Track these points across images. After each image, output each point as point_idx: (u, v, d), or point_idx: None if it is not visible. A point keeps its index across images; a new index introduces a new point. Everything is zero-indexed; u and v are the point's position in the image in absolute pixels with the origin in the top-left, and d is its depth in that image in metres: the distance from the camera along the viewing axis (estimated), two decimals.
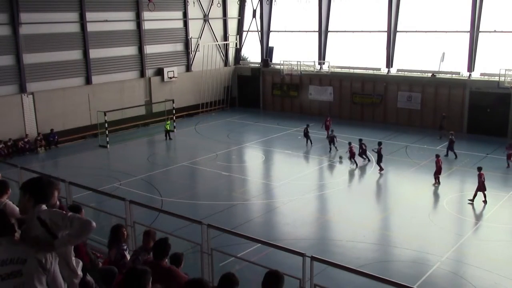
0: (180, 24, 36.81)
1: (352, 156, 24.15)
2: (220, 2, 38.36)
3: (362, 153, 24.64)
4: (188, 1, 36.33)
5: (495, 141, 27.93)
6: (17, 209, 5.74)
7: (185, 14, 36.72)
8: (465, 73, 31.23)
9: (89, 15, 30.61)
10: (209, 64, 38.33)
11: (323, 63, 36.72)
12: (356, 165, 24.09)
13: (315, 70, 36.65)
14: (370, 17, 34.61)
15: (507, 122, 29.17)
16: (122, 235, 7.77)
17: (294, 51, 37.70)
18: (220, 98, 39.75)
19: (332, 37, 36.93)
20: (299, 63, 36.44)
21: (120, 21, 32.60)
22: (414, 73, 33.09)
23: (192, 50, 37.27)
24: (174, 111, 33.09)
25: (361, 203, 20.02)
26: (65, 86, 30.06)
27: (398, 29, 33.64)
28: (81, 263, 4.84)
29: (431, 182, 21.48)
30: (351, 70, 35.54)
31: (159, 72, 35.20)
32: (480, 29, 30.66)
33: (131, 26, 33.54)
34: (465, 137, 29.55)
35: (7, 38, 27.38)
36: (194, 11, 37.18)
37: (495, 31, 30.32)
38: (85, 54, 30.89)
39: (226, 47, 40.44)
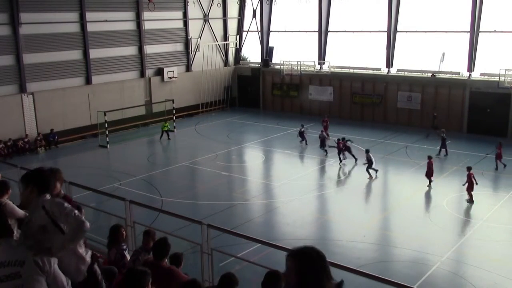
0: (180, 24, 36.81)
1: (339, 152, 24.38)
2: (220, 2, 38.36)
3: (345, 150, 24.73)
4: (188, 1, 36.33)
5: (495, 141, 27.82)
6: (17, 209, 5.75)
7: (185, 14, 36.71)
8: (465, 73, 31.22)
9: (89, 15, 30.61)
10: (209, 64, 38.32)
11: (323, 63, 36.72)
12: (340, 160, 24.40)
13: (315, 70, 36.65)
14: (370, 17, 34.60)
15: (507, 122, 29.18)
16: (121, 235, 7.77)
17: (294, 51, 37.70)
18: (220, 98, 39.75)
19: (332, 37, 36.93)
20: (299, 63, 36.44)
21: (120, 21, 32.60)
22: (414, 73, 33.09)
23: (192, 50, 37.27)
24: (174, 111, 33.09)
25: (361, 203, 20.03)
26: (65, 86, 30.05)
27: (398, 29, 33.64)
28: (90, 252, 4.92)
29: (431, 182, 21.47)
30: (351, 70, 35.54)
31: (159, 72, 35.20)
32: (480, 29, 30.66)
33: (131, 26, 33.55)
34: (465, 137, 29.58)
35: (7, 38, 27.38)
36: (194, 11, 37.18)
37: (495, 31, 30.32)
38: (85, 54, 30.89)
39: (226, 47, 40.44)
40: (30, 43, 28.25)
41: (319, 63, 36.78)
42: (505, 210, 18.85)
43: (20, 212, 5.75)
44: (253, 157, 27.47)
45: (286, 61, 37.03)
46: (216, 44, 39.40)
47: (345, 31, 35.90)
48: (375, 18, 34.16)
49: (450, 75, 31.68)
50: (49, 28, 28.91)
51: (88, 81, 31.24)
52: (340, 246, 16.16)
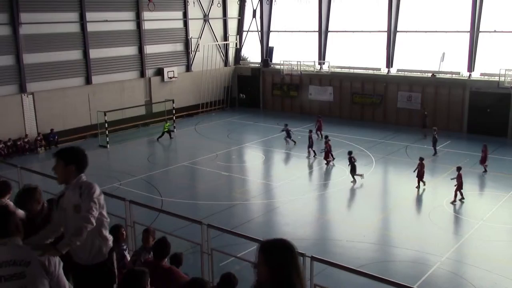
0: (180, 24, 36.81)
1: (329, 151, 24.28)
2: (220, 2, 38.36)
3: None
4: (188, 1, 36.33)
5: (495, 141, 27.91)
6: (19, 210, 5.76)
7: (185, 14, 36.71)
8: (465, 73, 31.22)
9: (89, 15, 30.61)
10: (209, 64, 38.33)
11: (323, 63, 36.72)
12: (327, 162, 24.31)
13: (315, 70, 36.65)
14: (370, 17, 34.60)
15: (507, 122, 29.17)
16: (121, 235, 7.77)
17: (294, 51, 37.69)
18: (220, 98, 39.75)
19: (332, 37, 36.93)
20: (299, 63, 36.44)
21: (120, 21, 32.60)
22: (414, 73, 33.09)
23: (192, 50, 37.26)
24: (174, 111, 33.10)
25: (361, 203, 20.03)
26: (65, 86, 30.06)
27: (398, 29, 33.64)
28: (112, 238, 5.28)
29: (431, 182, 21.48)
30: (351, 70, 35.54)
31: (159, 72, 35.20)
32: (480, 29, 30.66)
33: (131, 26, 33.54)
34: (465, 137, 29.58)
35: (7, 38, 27.38)
36: (194, 11, 37.18)
37: (495, 31, 30.32)
38: (85, 54, 30.89)
39: (226, 47, 40.44)
40: (30, 43, 28.25)
41: (319, 63, 36.78)
42: (505, 210, 18.84)
43: (21, 212, 5.76)
44: (253, 157, 27.47)
45: (286, 61, 37.04)
46: (216, 44, 39.40)
47: (345, 31, 35.89)
48: (375, 18, 34.16)
49: (450, 75, 31.68)
50: (49, 28, 28.91)
51: (88, 81, 31.24)
52: (340, 246, 16.16)
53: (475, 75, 30.96)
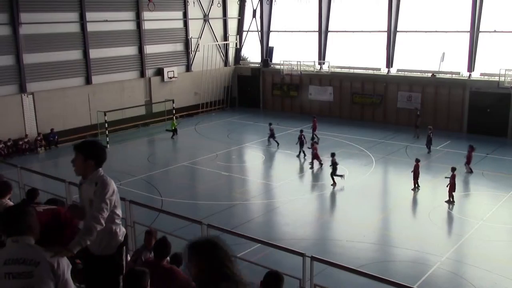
0: (180, 24, 36.82)
1: (315, 157, 23.91)
2: (220, 2, 38.37)
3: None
4: (188, 1, 36.33)
5: (495, 141, 27.94)
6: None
7: (185, 14, 36.72)
8: (465, 73, 31.23)
9: (89, 15, 30.61)
10: (209, 64, 38.33)
11: (323, 63, 36.73)
12: (312, 166, 24.10)
13: (315, 70, 36.65)
14: (370, 17, 34.60)
15: (507, 122, 29.18)
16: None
17: (294, 51, 37.70)
18: (220, 98, 39.76)
19: (332, 37, 36.94)
20: (299, 63, 36.45)
21: (120, 21, 32.60)
22: (414, 73, 33.09)
23: (192, 50, 37.27)
24: (174, 111, 33.10)
25: (361, 203, 20.02)
26: (65, 86, 30.06)
27: (398, 29, 33.65)
28: (124, 230, 5.49)
29: (431, 182, 21.48)
30: (351, 70, 35.54)
31: (159, 72, 35.20)
32: (480, 29, 30.66)
33: (131, 26, 33.55)
34: (465, 137, 29.55)
35: (7, 38, 27.38)
36: (194, 11, 37.19)
37: (495, 31, 30.32)
38: (85, 54, 30.89)
39: (226, 47, 40.45)
40: (30, 43, 28.25)
41: (319, 63, 36.78)
42: (505, 210, 18.84)
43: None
44: (253, 157, 27.47)
45: (286, 61, 37.04)
46: (216, 44, 39.40)
47: (345, 31, 35.89)
48: (375, 18, 34.16)
49: (450, 75, 31.68)
50: (49, 28, 28.91)
51: (88, 81, 31.24)
52: (340, 246, 16.16)
53: (475, 75, 30.96)
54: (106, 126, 28.98)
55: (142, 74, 34.35)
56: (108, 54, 32.13)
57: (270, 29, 39.88)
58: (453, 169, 19.52)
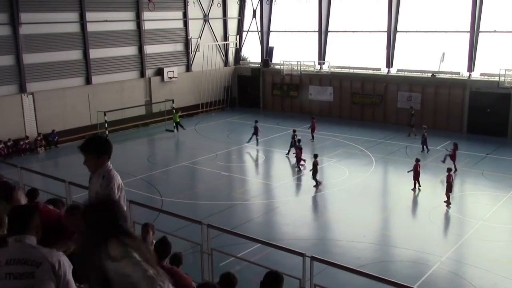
0: (180, 24, 36.82)
1: (298, 160, 23.66)
2: (220, 2, 38.37)
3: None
4: (188, 1, 36.34)
5: (495, 141, 27.95)
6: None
7: (185, 14, 36.72)
8: (465, 73, 31.22)
9: (89, 15, 30.61)
10: (209, 64, 38.33)
11: (323, 63, 36.73)
12: (299, 169, 23.74)
13: (315, 70, 36.65)
14: (370, 17, 34.60)
15: (507, 122, 29.17)
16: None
17: (294, 51, 37.70)
18: (220, 98, 39.76)
19: (332, 37, 36.94)
20: (299, 63, 36.45)
21: (120, 21, 32.60)
22: (414, 73, 33.09)
23: (192, 50, 37.27)
24: (174, 111, 33.11)
25: (361, 203, 20.02)
26: (65, 86, 30.06)
27: (398, 29, 33.64)
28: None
29: (431, 182, 21.47)
30: (351, 70, 35.54)
31: (159, 72, 35.20)
32: (480, 29, 30.66)
33: (131, 26, 33.55)
34: (465, 137, 29.56)
35: (7, 38, 27.38)
36: (194, 11, 37.19)
37: (495, 31, 30.32)
38: (85, 54, 30.89)
39: (226, 47, 40.45)
40: (30, 43, 28.25)
41: (319, 63, 36.78)
42: (505, 210, 18.85)
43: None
44: (253, 157, 27.48)
45: (286, 61, 37.04)
46: (216, 44, 39.40)
47: (345, 31, 35.89)
48: (375, 18, 34.17)
49: (450, 75, 31.68)
50: (49, 28, 28.91)
51: (88, 81, 31.24)
52: (340, 246, 16.16)
53: (475, 75, 30.96)
54: (106, 126, 28.99)
55: (142, 74, 34.35)
56: (108, 54, 32.13)
57: (270, 29, 39.87)
58: (449, 170, 19.54)
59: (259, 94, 39.87)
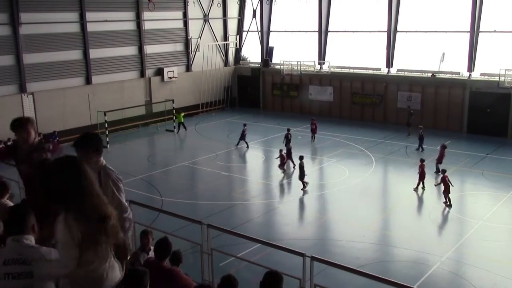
0: (180, 24, 36.82)
1: (281, 164, 23.25)
2: (220, 2, 38.37)
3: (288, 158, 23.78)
4: (188, 1, 36.34)
5: (495, 141, 27.95)
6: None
7: (185, 14, 36.72)
8: (465, 73, 31.23)
9: (89, 15, 30.61)
10: (209, 64, 38.33)
11: (323, 63, 36.73)
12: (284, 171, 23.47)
13: (315, 70, 36.65)
14: (370, 17, 34.61)
15: (507, 122, 29.18)
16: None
17: (294, 51, 37.70)
18: (220, 98, 39.75)
19: (332, 37, 36.94)
20: (299, 63, 36.44)
21: (120, 21, 32.60)
22: (414, 73, 33.09)
23: (192, 50, 37.27)
24: (174, 111, 33.11)
25: (361, 203, 20.02)
26: (65, 86, 30.06)
27: (398, 29, 33.65)
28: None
29: (431, 182, 21.46)
30: (351, 70, 35.54)
31: (159, 72, 35.20)
32: (480, 29, 30.66)
33: (131, 26, 33.55)
34: (465, 137, 29.59)
35: (7, 38, 27.38)
36: (194, 11, 37.19)
37: (495, 31, 30.32)
38: (85, 54, 30.89)
39: (226, 47, 40.45)
40: (30, 43, 28.25)
41: (319, 63, 36.78)
42: (505, 210, 18.85)
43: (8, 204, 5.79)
44: (253, 157, 27.47)
45: (286, 61, 37.04)
46: (216, 44, 39.40)
47: (345, 31, 35.90)
48: (375, 18, 34.17)
49: (450, 75, 31.68)
50: (49, 28, 28.91)
51: (88, 81, 31.25)
52: (340, 246, 16.16)
53: (475, 75, 30.97)
54: (106, 126, 28.98)
55: (142, 74, 34.35)
56: (108, 54, 32.13)
57: (270, 29, 39.88)
58: (443, 171, 19.55)
59: (259, 94, 39.87)
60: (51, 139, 28.70)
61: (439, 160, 22.48)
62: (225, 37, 40.26)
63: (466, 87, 30.55)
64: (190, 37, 37.01)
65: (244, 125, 28.72)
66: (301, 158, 21.41)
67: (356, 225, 17.62)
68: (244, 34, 41.26)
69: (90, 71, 31.12)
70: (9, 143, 26.98)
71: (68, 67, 30.13)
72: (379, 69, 34.37)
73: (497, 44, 30.38)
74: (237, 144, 28.29)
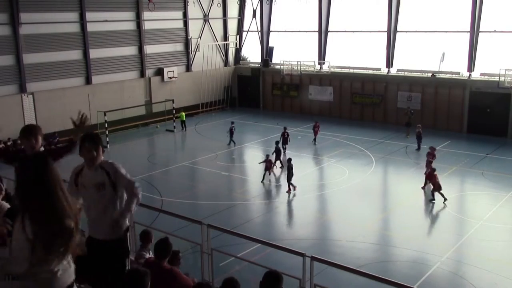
0: (180, 24, 36.82)
1: (268, 168, 22.58)
2: (220, 2, 38.37)
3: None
4: (188, 1, 36.34)
5: (495, 141, 27.95)
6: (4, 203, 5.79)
7: (185, 14, 36.72)
8: (465, 73, 31.23)
9: (89, 15, 30.62)
10: (209, 64, 38.33)
11: (323, 63, 36.72)
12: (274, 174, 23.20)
13: (315, 70, 36.65)
14: (370, 17, 34.60)
15: (507, 122, 29.18)
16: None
17: (294, 51, 37.70)
18: (220, 98, 39.75)
19: (332, 37, 36.93)
20: (299, 63, 36.44)
21: (120, 21, 32.61)
22: (414, 73, 33.09)
23: (192, 50, 37.27)
24: (174, 111, 33.12)
25: (361, 203, 20.02)
26: (65, 86, 30.06)
27: (398, 29, 33.65)
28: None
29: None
30: (351, 70, 35.54)
31: (159, 72, 35.20)
32: (480, 29, 30.66)
33: (131, 26, 33.55)
34: (465, 137, 29.59)
35: (7, 38, 27.39)
36: (194, 11, 37.19)
37: (495, 31, 30.32)
38: (85, 54, 30.90)
39: (226, 47, 40.45)
40: (30, 43, 28.26)
41: (319, 63, 36.78)
42: (505, 210, 18.84)
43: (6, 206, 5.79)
44: (253, 157, 27.45)
45: (286, 61, 37.04)
46: (216, 44, 39.40)
47: (345, 31, 35.90)
48: (375, 18, 34.17)
49: (450, 75, 31.68)
50: (49, 28, 28.91)
51: (88, 81, 31.25)
52: (340, 246, 16.16)
53: (475, 75, 30.96)
54: (106, 126, 28.98)
55: (142, 74, 34.35)
56: (108, 54, 32.14)
57: (270, 29, 39.88)
58: (433, 170, 19.78)
59: (259, 94, 39.87)
60: (51, 140, 28.74)
61: (428, 165, 21.86)
62: (225, 37, 40.27)
63: (466, 87, 30.55)
64: (190, 37, 37.01)
65: (232, 123, 28.98)
66: (289, 160, 21.22)
67: (356, 225, 17.63)
68: (244, 34, 41.26)
69: (90, 71, 31.12)
70: (9, 143, 27.04)
71: (68, 67, 30.14)
72: (379, 69, 34.37)
73: (497, 44, 30.38)
74: (229, 143, 28.37)
